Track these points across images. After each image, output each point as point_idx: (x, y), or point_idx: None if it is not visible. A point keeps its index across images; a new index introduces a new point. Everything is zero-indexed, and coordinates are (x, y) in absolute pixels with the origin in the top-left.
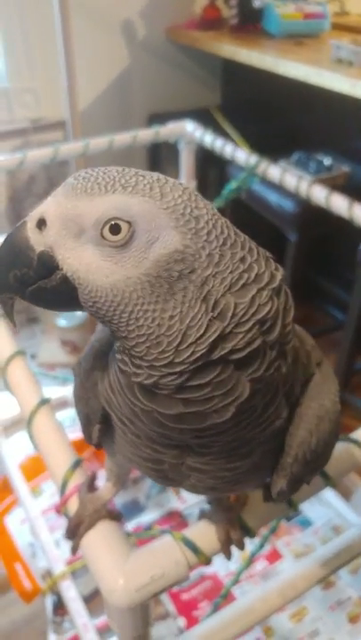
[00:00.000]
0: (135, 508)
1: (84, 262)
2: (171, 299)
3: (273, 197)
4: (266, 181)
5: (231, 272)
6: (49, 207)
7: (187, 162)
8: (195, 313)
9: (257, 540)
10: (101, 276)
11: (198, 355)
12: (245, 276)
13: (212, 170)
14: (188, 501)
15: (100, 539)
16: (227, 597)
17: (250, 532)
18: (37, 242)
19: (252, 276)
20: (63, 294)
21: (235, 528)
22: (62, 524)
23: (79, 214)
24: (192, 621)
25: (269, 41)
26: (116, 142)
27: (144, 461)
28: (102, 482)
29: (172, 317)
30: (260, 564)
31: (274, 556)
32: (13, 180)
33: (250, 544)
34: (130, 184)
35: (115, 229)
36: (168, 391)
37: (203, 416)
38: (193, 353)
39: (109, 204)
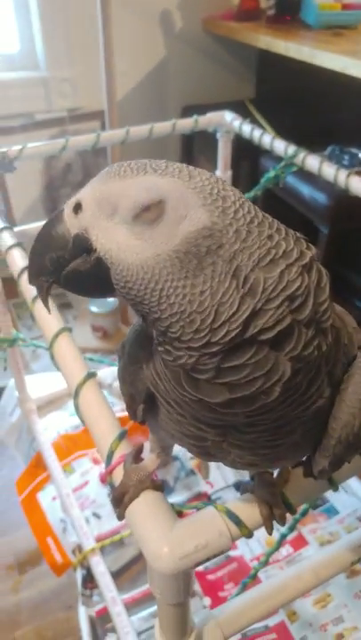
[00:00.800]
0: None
1: (117, 241)
2: (200, 274)
3: (306, 190)
4: (299, 173)
5: (259, 248)
6: (85, 192)
7: (223, 152)
8: (225, 289)
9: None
10: (132, 254)
11: (233, 334)
12: (273, 251)
13: (244, 162)
14: (216, 485)
15: (145, 507)
16: (254, 579)
17: (291, 508)
18: (73, 225)
19: (280, 252)
20: (96, 277)
21: (277, 503)
22: (92, 501)
23: (112, 194)
24: (217, 601)
25: (307, 32)
26: (155, 130)
27: (187, 438)
28: (147, 454)
29: (202, 293)
30: (286, 550)
31: (299, 543)
32: (49, 168)
33: (278, 527)
34: (160, 167)
35: (147, 207)
36: (208, 375)
37: (250, 399)
38: (228, 332)
39: (141, 184)
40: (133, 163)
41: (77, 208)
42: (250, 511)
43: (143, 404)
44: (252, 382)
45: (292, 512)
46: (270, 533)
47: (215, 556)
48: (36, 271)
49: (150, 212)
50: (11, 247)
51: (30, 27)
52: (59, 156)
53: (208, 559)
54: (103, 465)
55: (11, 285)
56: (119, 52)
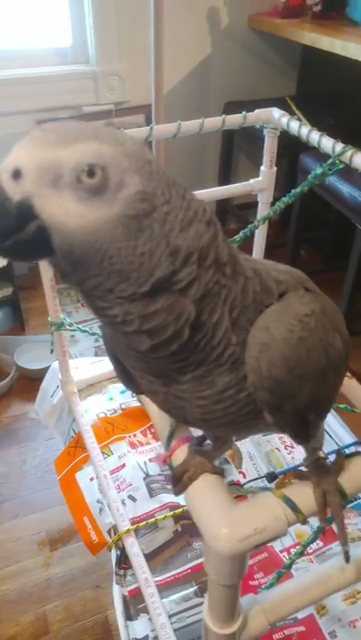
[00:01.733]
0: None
1: (62, 207)
2: (140, 236)
3: (345, 188)
4: (338, 171)
5: (179, 209)
6: (22, 157)
7: (270, 148)
8: (160, 250)
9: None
10: (77, 220)
11: (157, 285)
12: (190, 212)
13: (283, 159)
14: (249, 476)
15: (205, 488)
16: (288, 569)
17: (346, 497)
18: (14, 192)
19: (192, 211)
20: (38, 244)
21: (332, 492)
22: (129, 484)
23: (56, 161)
24: (247, 589)
25: (353, 28)
26: (206, 125)
27: (149, 394)
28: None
29: (142, 254)
30: (316, 543)
31: (329, 537)
32: None
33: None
34: (96, 133)
35: (90, 174)
36: (134, 327)
37: (168, 342)
38: (153, 285)
39: (85, 151)
40: (67, 127)
41: (17, 174)
42: (306, 498)
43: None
44: (166, 327)
45: (347, 501)
46: (324, 526)
47: (271, 540)
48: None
49: (94, 179)
50: None
51: (83, 21)
52: None
53: (264, 543)
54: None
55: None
56: (167, 48)
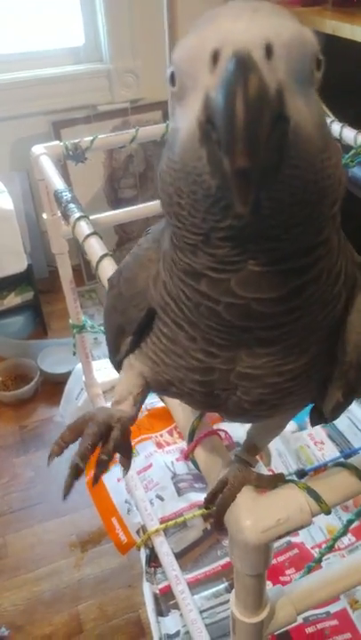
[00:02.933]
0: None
1: (300, 106)
2: (329, 143)
3: None
4: None
5: None
6: (269, 28)
7: None
8: (338, 157)
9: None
10: (310, 124)
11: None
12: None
13: None
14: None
15: None
16: (318, 563)
17: (322, 505)
18: (270, 79)
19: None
20: (274, 160)
21: (234, 484)
22: (156, 483)
23: (303, 41)
24: (277, 584)
25: None
26: None
27: (191, 373)
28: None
29: (334, 164)
30: (348, 538)
31: None
32: (112, 159)
33: (342, 514)
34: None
35: (319, 64)
36: (311, 258)
37: (306, 286)
38: (339, 201)
39: (311, 33)
40: (268, 3)
41: (269, 53)
42: (330, 489)
43: (132, 336)
44: (319, 260)
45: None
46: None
47: (294, 530)
48: (255, 146)
49: (320, 70)
50: (88, 236)
51: (95, 20)
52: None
53: (288, 533)
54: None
55: (74, 274)
56: None
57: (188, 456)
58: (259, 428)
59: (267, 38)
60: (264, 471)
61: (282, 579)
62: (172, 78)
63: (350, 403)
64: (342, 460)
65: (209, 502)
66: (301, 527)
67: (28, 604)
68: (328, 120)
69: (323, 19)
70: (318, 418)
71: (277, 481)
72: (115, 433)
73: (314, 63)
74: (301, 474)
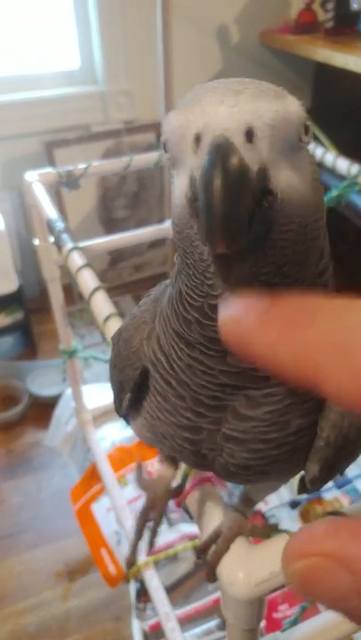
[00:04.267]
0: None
1: (285, 175)
2: (319, 192)
3: None
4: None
5: None
6: (249, 113)
7: None
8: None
9: None
10: (298, 189)
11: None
12: None
13: None
14: (271, 503)
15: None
16: (313, 603)
17: None
18: (251, 160)
19: None
20: (261, 231)
21: (225, 538)
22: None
23: (286, 117)
24: (271, 622)
25: None
26: None
27: (180, 430)
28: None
29: (322, 217)
30: None
31: None
32: (105, 180)
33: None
34: (280, 88)
35: (306, 130)
36: None
37: None
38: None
39: (298, 104)
40: (243, 80)
41: (250, 136)
42: None
43: (130, 394)
44: None
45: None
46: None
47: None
48: (233, 231)
49: (308, 136)
50: (81, 268)
51: (90, 44)
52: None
53: (281, 587)
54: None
55: (64, 293)
56: (177, 65)
57: (180, 503)
58: (260, 489)
59: (248, 123)
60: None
61: (275, 615)
62: (165, 146)
63: (330, 478)
64: (335, 509)
65: (201, 552)
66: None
67: (12, 637)
68: (321, 151)
69: (315, 47)
70: (303, 487)
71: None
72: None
73: (301, 131)
74: (295, 504)
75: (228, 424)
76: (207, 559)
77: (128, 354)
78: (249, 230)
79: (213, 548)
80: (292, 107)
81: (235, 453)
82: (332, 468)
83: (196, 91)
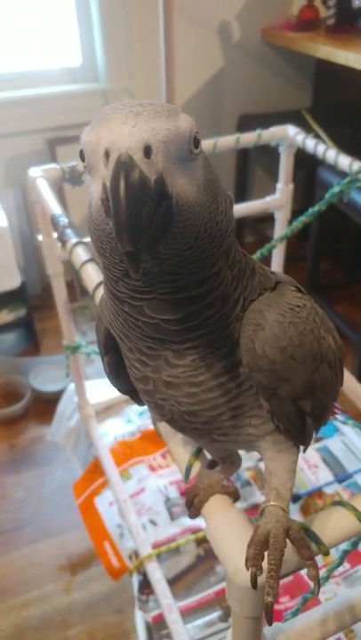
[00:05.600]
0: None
1: (180, 181)
2: (217, 196)
3: None
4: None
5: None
6: (146, 133)
7: (286, 165)
8: (227, 204)
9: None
10: (192, 190)
11: (229, 243)
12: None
13: (300, 172)
14: None
15: (226, 521)
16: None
17: (321, 547)
18: (149, 172)
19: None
20: (161, 228)
21: (279, 535)
22: (149, 508)
23: (178, 133)
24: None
25: None
26: (219, 144)
27: (138, 383)
28: None
29: (223, 212)
30: (343, 566)
31: (356, 559)
32: None
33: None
34: (177, 108)
35: (196, 144)
36: (191, 290)
37: (200, 312)
38: (227, 243)
39: (190, 121)
40: (153, 103)
41: (148, 152)
42: (328, 529)
43: (107, 357)
44: (210, 293)
45: (325, 554)
46: (254, 585)
47: (293, 572)
48: (137, 233)
49: (198, 148)
50: (85, 262)
51: (92, 41)
52: None
53: (286, 575)
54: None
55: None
56: (178, 62)
57: (185, 493)
58: (272, 471)
59: (145, 141)
60: (257, 496)
61: (277, 607)
62: (82, 156)
63: (282, 413)
64: (341, 500)
65: (254, 566)
66: (299, 569)
67: (15, 630)
68: (322, 148)
69: (316, 44)
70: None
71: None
72: (196, 501)
73: (192, 144)
74: (296, 498)
75: (164, 371)
76: (194, 504)
77: (96, 322)
78: (150, 227)
79: (271, 556)
80: (183, 124)
81: (177, 399)
82: (280, 394)
83: (106, 111)
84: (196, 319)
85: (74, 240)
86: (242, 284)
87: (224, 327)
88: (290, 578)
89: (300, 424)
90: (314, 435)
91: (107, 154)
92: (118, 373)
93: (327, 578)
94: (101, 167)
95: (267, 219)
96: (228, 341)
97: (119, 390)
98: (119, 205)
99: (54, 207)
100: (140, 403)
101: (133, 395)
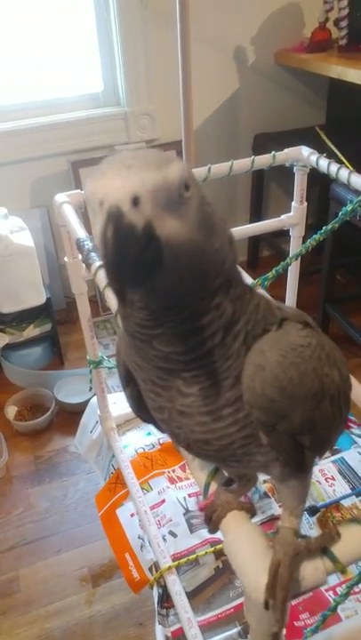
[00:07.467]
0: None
1: (171, 224)
2: (213, 234)
3: None
4: None
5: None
6: (134, 185)
7: (300, 185)
8: (224, 241)
9: None
10: (183, 231)
11: (227, 278)
12: (219, 214)
13: (315, 188)
14: None
15: (243, 537)
16: (334, 612)
17: (337, 564)
18: (138, 219)
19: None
20: (153, 265)
21: (285, 565)
22: (169, 520)
23: (165, 182)
24: (292, 631)
25: None
26: (235, 167)
27: (154, 412)
28: None
29: (218, 249)
30: None
31: None
32: None
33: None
34: (169, 155)
35: (187, 188)
36: (189, 324)
37: (202, 343)
38: (224, 277)
39: (180, 169)
40: (138, 154)
41: (136, 202)
42: (345, 546)
43: (128, 389)
44: (211, 324)
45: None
46: (266, 607)
47: (310, 590)
48: (122, 274)
49: (188, 192)
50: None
51: (114, 67)
52: None
53: (303, 593)
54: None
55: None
56: (195, 86)
57: (203, 508)
58: (284, 494)
59: (134, 192)
60: (276, 508)
61: (296, 624)
62: (86, 202)
63: (283, 446)
64: (358, 515)
65: (270, 591)
66: (317, 586)
67: None
68: (335, 167)
69: (329, 65)
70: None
71: (328, 539)
72: (214, 517)
73: (182, 189)
74: (314, 510)
75: (177, 401)
76: (212, 519)
77: (116, 355)
78: (138, 267)
79: (279, 582)
80: (172, 173)
81: (191, 427)
82: (279, 430)
83: (104, 164)
84: (200, 350)
85: (98, 263)
86: (244, 317)
87: (226, 358)
88: (310, 594)
89: (299, 456)
90: (317, 460)
91: (101, 203)
92: (140, 404)
93: (347, 595)
94: (99, 214)
95: (283, 233)
96: (233, 374)
97: (142, 420)
98: (107, 250)
99: (79, 231)
100: (162, 430)
101: (156, 423)
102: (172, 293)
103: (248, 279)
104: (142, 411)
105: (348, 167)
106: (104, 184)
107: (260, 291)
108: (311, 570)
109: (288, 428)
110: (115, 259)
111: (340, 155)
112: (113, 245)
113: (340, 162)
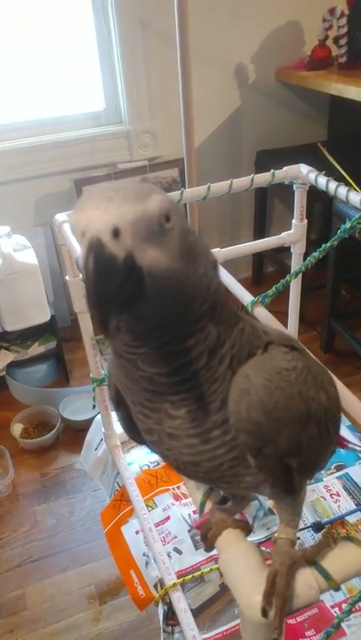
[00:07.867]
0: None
1: (152, 254)
2: (195, 260)
3: None
4: None
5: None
6: (114, 217)
7: (300, 203)
8: (208, 266)
9: None
10: (165, 260)
11: (212, 302)
12: (203, 241)
13: (318, 204)
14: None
15: (237, 555)
16: (337, 629)
17: (331, 582)
18: (118, 250)
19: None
20: (135, 294)
21: (282, 574)
22: (174, 536)
23: (145, 214)
24: None
25: None
26: (235, 185)
27: (143, 434)
28: None
29: (201, 276)
30: None
31: None
32: None
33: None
34: (151, 187)
35: (168, 219)
36: (172, 346)
37: (187, 365)
38: (210, 302)
39: (161, 201)
40: (119, 186)
41: (116, 233)
42: (338, 564)
43: (118, 412)
44: (195, 346)
45: (335, 589)
46: (264, 615)
47: (304, 607)
48: (101, 302)
49: (169, 223)
50: None
51: (115, 86)
52: None
53: (297, 610)
54: (182, 502)
55: (93, 321)
56: (197, 103)
57: (200, 526)
58: (279, 509)
59: (114, 224)
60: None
61: None
62: (72, 231)
63: (270, 468)
64: (352, 534)
65: (267, 599)
66: (309, 604)
67: None
68: (333, 185)
69: (329, 82)
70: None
71: (324, 546)
72: (210, 535)
73: (163, 220)
74: (318, 527)
75: (165, 423)
76: (208, 538)
77: (107, 378)
78: (118, 296)
79: (276, 592)
80: (152, 205)
81: (180, 449)
82: (266, 453)
83: (87, 196)
84: (185, 372)
85: None
86: (229, 340)
87: (213, 381)
88: (315, 610)
89: (288, 478)
90: (310, 481)
91: (83, 234)
92: (131, 425)
93: (349, 612)
94: (81, 243)
95: (286, 249)
96: (219, 397)
97: (135, 441)
98: (88, 279)
99: (79, 250)
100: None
101: (148, 444)
102: (157, 318)
103: (248, 297)
104: (134, 432)
105: (350, 184)
106: (86, 215)
107: (260, 309)
108: (304, 586)
109: (275, 451)
110: (95, 288)
111: (342, 171)
112: (94, 275)
113: (342, 178)
